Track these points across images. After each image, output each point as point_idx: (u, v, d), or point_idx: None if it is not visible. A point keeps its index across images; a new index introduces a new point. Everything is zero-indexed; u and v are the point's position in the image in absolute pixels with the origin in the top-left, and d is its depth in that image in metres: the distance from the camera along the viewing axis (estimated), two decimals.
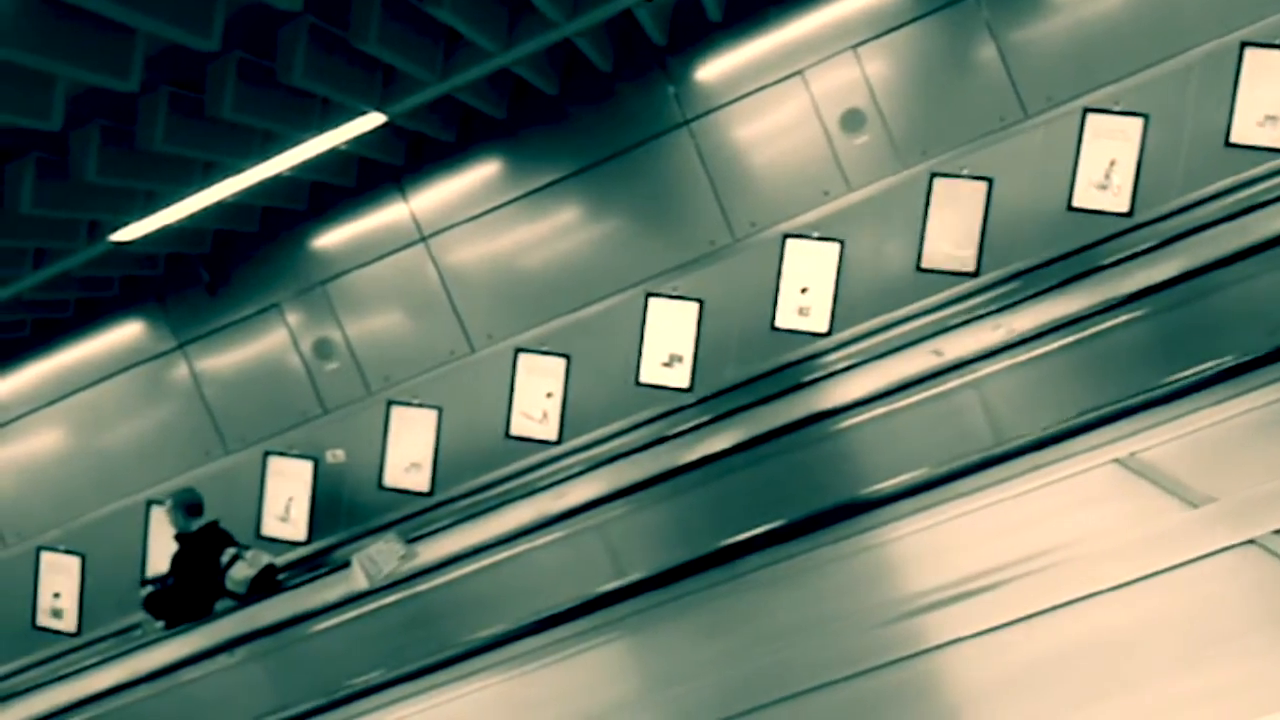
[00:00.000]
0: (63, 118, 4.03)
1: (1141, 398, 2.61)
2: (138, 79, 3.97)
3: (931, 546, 2.41)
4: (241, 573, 5.02)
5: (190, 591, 5.04)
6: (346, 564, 4.36)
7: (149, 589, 5.19)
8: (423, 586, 4.58)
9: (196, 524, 5.32)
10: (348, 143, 5.69)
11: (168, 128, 4.60)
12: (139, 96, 4.57)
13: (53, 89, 3.91)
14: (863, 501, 2.67)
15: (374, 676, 3.76)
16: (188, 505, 5.35)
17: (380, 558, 4.15)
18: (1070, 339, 4.15)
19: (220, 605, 5.15)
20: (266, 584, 5.12)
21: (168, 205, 5.54)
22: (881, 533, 2.53)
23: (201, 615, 4.86)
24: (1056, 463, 2.50)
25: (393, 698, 3.59)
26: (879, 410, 4.08)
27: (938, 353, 4.42)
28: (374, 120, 5.46)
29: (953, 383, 4.09)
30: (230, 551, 5.18)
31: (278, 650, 4.06)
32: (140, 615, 5.27)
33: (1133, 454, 2.36)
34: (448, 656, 3.68)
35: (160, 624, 5.12)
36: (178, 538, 5.31)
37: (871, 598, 2.35)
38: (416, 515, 6.55)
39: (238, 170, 5.45)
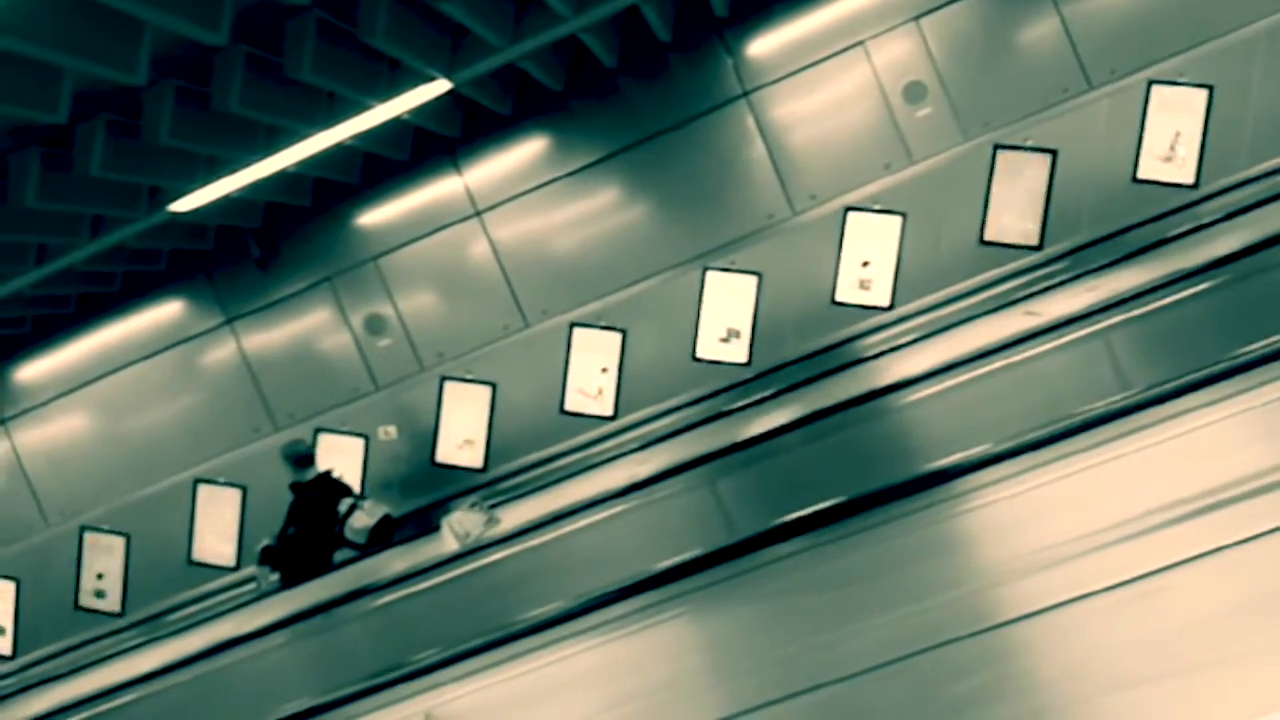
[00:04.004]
0: (146, 74, 3.97)
1: None
2: (227, 32, 3.91)
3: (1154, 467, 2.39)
4: (361, 522, 4.94)
5: (310, 542, 4.95)
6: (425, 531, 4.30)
7: (266, 542, 5.10)
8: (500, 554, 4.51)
9: (309, 474, 5.25)
10: (410, 112, 5.62)
11: (244, 88, 4.53)
12: (213, 55, 4.51)
13: (140, 42, 3.84)
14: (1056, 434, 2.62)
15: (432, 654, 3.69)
16: (296, 457, 5.27)
17: (467, 522, 4.10)
18: (1166, 300, 4.10)
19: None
20: (384, 534, 5.04)
21: (229, 173, 5.47)
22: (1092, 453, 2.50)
23: (321, 568, 4.77)
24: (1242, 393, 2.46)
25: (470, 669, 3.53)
26: (991, 365, 4.02)
27: (1032, 313, 4.37)
28: (439, 88, 5.40)
29: (1051, 343, 4.04)
30: (347, 501, 5.10)
31: (365, 617, 4.00)
32: (254, 569, 5.18)
33: None
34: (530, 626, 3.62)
35: (275, 577, 5.03)
36: (292, 487, 5.23)
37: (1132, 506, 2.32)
38: (470, 491, 6.47)
39: (301, 137, 5.38)
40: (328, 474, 5.33)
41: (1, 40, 3.32)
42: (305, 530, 5.01)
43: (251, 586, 5.21)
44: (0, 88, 3.64)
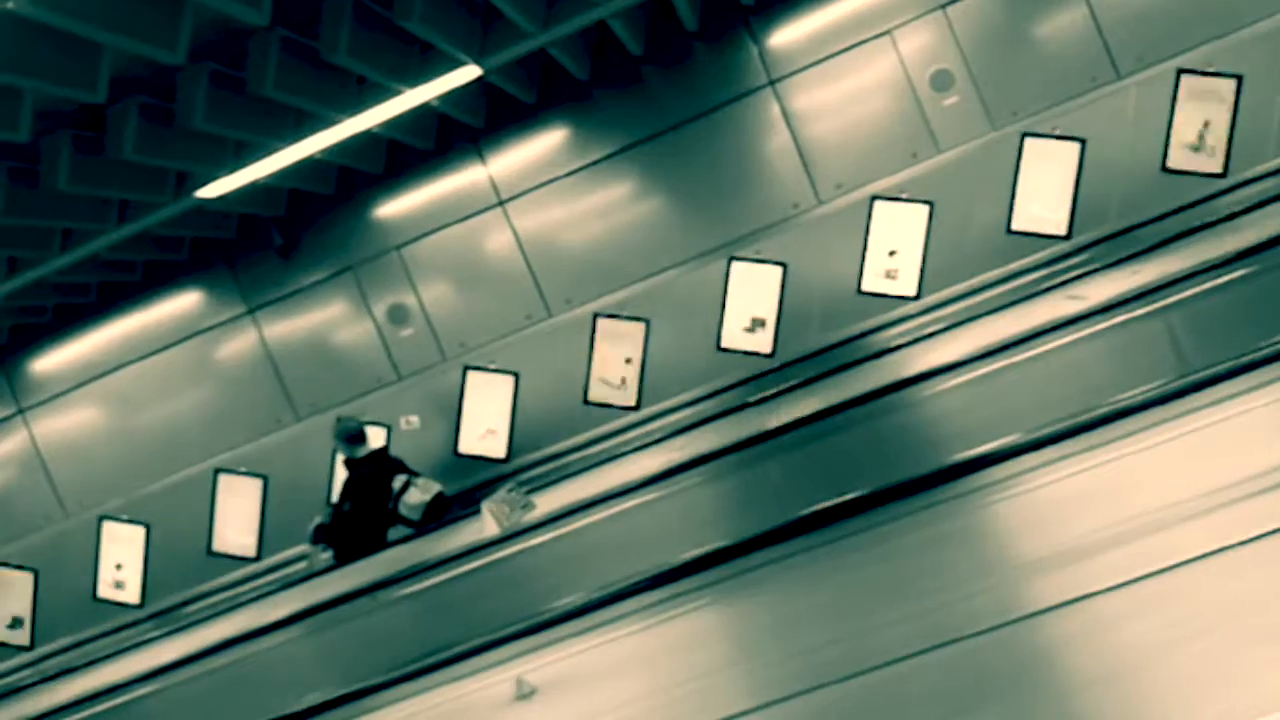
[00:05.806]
0: (185, 54, 3.94)
1: None
2: (269, 12, 3.89)
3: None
4: (415, 498, 4.93)
5: (365, 519, 4.93)
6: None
7: (318, 520, 5.07)
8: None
9: (362, 450, 5.22)
10: (437, 98, 5.60)
11: (278, 71, 4.51)
12: (248, 38, 4.48)
13: (181, 20, 3.82)
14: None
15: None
16: (348, 435, 5.25)
17: (505, 507, 4.08)
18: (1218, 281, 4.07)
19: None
20: (438, 511, 5.02)
21: (256, 159, 5.45)
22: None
23: (376, 545, 4.75)
24: None
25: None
26: (1035, 350, 4.00)
27: (1075, 298, 4.35)
28: (468, 74, 5.37)
29: (1090, 329, 4.02)
30: (402, 478, 5.09)
31: (408, 599, 3.97)
32: (305, 547, 5.14)
33: None
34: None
35: (328, 555, 5.00)
36: (347, 464, 5.21)
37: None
38: (494, 481, 6.44)
39: (331, 122, 5.36)
40: (382, 450, 5.33)
41: (47, 15, 3.30)
42: (360, 507, 4.99)
43: (289, 570, 5.16)
44: (42, 66, 3.61)
